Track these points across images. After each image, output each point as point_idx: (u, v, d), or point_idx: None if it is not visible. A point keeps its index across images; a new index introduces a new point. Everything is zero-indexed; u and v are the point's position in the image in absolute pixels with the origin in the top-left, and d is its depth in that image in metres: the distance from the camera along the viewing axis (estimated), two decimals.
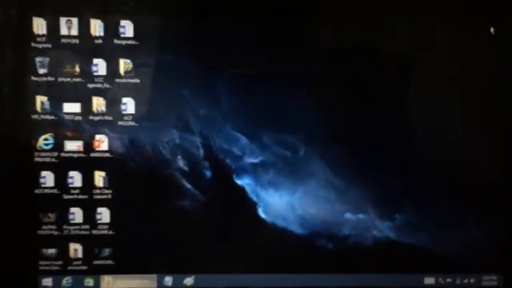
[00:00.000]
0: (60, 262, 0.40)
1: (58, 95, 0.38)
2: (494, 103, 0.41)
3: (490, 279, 0.42)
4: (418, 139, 0.41)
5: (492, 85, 0.40)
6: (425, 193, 0.41)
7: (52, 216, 0.39)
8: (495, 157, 0.41)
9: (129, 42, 0.38)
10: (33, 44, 0.37)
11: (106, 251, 0.40)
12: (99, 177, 0.39)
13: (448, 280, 0.42)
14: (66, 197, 0.39)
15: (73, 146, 0.39)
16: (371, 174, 0.40)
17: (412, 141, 0.41)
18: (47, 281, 0.40)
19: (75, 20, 0.37)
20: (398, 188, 0.41)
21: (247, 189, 0.40)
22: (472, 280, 0.42)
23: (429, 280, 0.42)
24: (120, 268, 0.40)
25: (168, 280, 0.41)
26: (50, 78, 0.38)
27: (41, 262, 0.40)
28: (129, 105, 0.38)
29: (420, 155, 0.41)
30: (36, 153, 0.38)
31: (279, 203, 0.40)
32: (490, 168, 0.42)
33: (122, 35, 0.38)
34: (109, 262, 0.40)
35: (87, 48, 0.38)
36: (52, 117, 0.38)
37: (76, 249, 0.40)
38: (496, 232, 0.42)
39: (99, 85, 0.38)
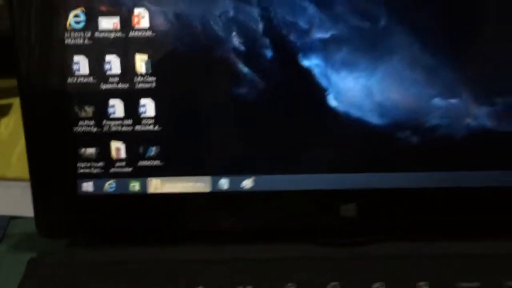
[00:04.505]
0: (101, 164, 0.37)
1: None
2: None
3: None
4: None
5: None
6: None
7: (89, 110, 0.36)
8: None
9: None
10: None
11: (153, 150, 0.37)
12: (141, 62, 0.35)
13: None
14: (104, 86, 0.36)
15: (108, 23, 0.34)
16: (467, 47, 0.35)
17: None
18: (88, 185, 0.38)
19: None
20: (501, 64, 0.35)
21: (315, 71, 0.36)
22: None
23: None
24: (169, 169, 0.37)
25: (224, 182, 0.38)
26: None
27: (79, 164, 0.37)
28: None
29: None
30: (66, 34, 0.34)
31: (354, 88, 0.36)
32: None
33: None
34: (157, 162, 0.37)
35: None
36: None
37: (118, 148, 0.37)
38: None
39: None
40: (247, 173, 0.38)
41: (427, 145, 0.37)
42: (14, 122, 0.51)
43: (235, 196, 0.38)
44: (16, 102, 0.47)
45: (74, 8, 0.34)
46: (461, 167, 0.37)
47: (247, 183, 0.38)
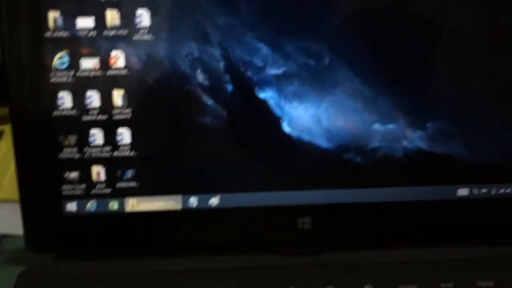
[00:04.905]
0: (83, 186, 0.40)
1: (71, 9, 0.37)
2: None
3: None
4: (450, 41, 0.39)
5: None
6: (459, 98, 0.40)
7: (72, 139, 0.39)
8: None
9: None
10: None
11: (129, 173, 0.40)
12: (118, 96, 0.39)
13: (483, 190, 0.41)
14: (85, 118, 0.39)
15: (89, 64, 0.38)
16: (400, 80, 0.39)
17: (443, 43, 0.39)
18: (72, 205, 0.40)
19: None
20: (430, 94, 0.40)
21: (270, 102, 0.39)
22: (508, 190, 0.41)
23: (462, 192, 0.41)
24: (144, 190, 0.40)
25: (193, 200, 0.41)
26: None
27: (64, 187, 0.40)
28: (144, 17, 0.37)
29: (453, 58, 0.39)
30: (52, 73, 0.38)
31: (304, 116, 0.39)
32: None
33: None
34: (133, 184, 0.40)
35: None
36: (66, 34, 0.37)
37: (98, 172, 0.40)
38: None
39: None
40: (213, 192, 0.41)
41: (370, 165, 0.40)
42: (6, 147, 0.52)
43: (204, 212, 0.41)
44: (8, 129, 0.48)
45: (59, 51, 0.38)
46: (400, 183, 0.41)
47: (214, 201, 0.41)
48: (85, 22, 0.37)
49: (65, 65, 0.38)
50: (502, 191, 0.41)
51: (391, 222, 0.42)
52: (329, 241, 0.42)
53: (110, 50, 0.38)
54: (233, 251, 0.41)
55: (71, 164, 0.40)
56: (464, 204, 0.42)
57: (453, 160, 0.40)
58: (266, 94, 0.39)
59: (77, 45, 0.38)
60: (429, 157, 0.40)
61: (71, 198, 0.40)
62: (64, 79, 0.38)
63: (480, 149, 0.40)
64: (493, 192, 0.41)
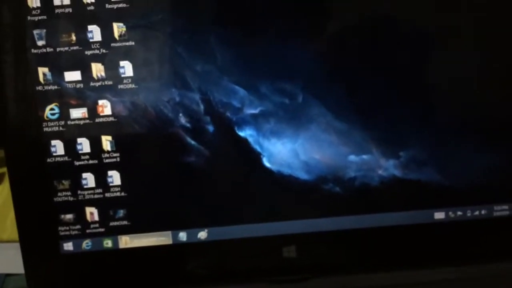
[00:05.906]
0: (78, 226, 0.43)
1: (59, 65, 0.40)
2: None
3: (502, 209, 0.43)
4: (418, 72, 0.41)
5: None
6: (429, 126, 0.42)
7: (66, 183, 0.42)
8: (504, 85, 0.42)
9: (120, 5, 0.39)
10: (29, 18, 0.39)
11: (121, 212, 0.43)
12: (106, 141, 0.41)
13: (459, 213, 0.43)
14: (77, 163, 0.42)
15: (78, 113, 0.41)
16: (371, 113, 0.41)
17: (411, 74, 0.41)
18: (68, 245, 0.43)
19: None
20: (401, 124, 0.42)
21: (250, 140, 0.42)
22: (483, 212, 0.43)
23: (439, 215, 0.43)
24: (136, 227, 0.43)
25: (183, 235, 0.43)
26: (49, 49, 0.40)
27: (60, 228, 0.43)
28: (127, 68, 0.40)
29: (421, 88, 0.42)
30: (44, 123, 0.41)
31: (282, 151, 0.42)
32: (498, 96, 0.42)
33: None
34: (125, 222, 0.43)
35: (80, 15, 0.39)
36: (55, 87, 0.40)
37: (92, 213, 0.43)
38: (505, 160, 0.42)
39: (96, 51, 0.40)
40: (201, 226, 0.43)
41: (348, 194, 0.42)
42: (8, 189, 0.53)
43: (193, 246, 0.43)
44: None
45: (50, 103, 0.40)
46: (378, 209, 0.43)
47: (202, 235, 0.43)
48: (72, 76, 0.40)
49: (56, 116, 0.41)
50: (477, 212, 0.43)
51: (372, 247, 0.44)
52: (313, 268, 0.44)
53: (97, 100, 0.41)
54: (223, 281, 0.43)
55: (66, 207, 0.42)
56: (442, 226, 0.43)
57: (428, 185, 0.42)
58: (246, 133, 0.41)
59: (66, 97, 0.40)
60: (404, 183, 0.42)
61: (68, 238, 0.43)
62: (56, 129, 0.41)
63: (452, 173, 0.42)
64: (469, 214, 0.43)
